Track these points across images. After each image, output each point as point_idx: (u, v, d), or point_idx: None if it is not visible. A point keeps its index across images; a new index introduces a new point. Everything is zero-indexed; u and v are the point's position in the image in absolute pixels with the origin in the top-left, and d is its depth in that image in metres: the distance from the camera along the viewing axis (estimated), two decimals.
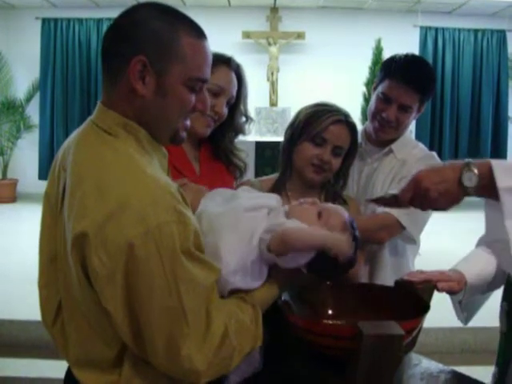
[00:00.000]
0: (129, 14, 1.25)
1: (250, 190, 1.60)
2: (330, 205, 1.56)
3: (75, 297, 1.22)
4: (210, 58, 1.30)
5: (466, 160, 1.33)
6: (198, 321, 1.16)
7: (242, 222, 1.39)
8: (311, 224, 1.43)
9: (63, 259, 1.23)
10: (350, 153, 1.98)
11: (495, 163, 1.29)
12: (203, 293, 1.18)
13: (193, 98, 1.28)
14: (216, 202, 1.48)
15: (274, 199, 1.52)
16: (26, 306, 3.71)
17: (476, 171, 1.30)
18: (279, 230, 1.35)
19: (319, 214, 1.47)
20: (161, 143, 1.33)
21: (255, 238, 1.36)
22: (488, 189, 1.29)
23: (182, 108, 1.28)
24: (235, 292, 1.33)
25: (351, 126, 1.93)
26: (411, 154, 2.18)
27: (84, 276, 1.16)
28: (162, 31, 1.21)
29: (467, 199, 1.36)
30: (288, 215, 1.46)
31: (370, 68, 8.57)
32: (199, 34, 1.27)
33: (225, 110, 1.98)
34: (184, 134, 1.35)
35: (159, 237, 1.10)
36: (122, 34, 1.23)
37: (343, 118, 1.92)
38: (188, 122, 1.33)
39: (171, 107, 1.26)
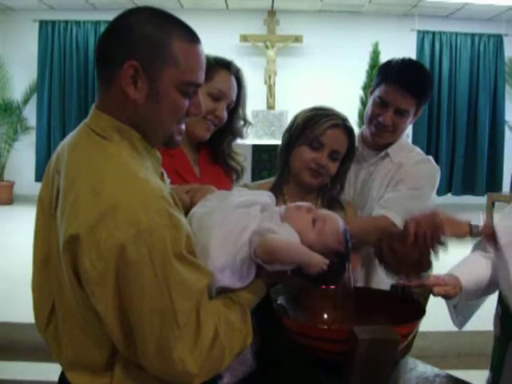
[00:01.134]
0: (122, 18, 1.25)
1: (242, 189, 1.59)
2: (325, 212, 1.55)
3: (67, 299, 1.22)
4: (204, 62, 1.30)
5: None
6: (189, 323, 1.17)
7: (232, 218, 1.39)
8: (304, 231, 1.44)
9: (56, 262, 1.23)
10: (347, 157, 1.98)
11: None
12: (194, 296, 1.19)
13: (186, 102, 1.28)
14: (209, 203, 1.48)
15: (266, 196, 1.51)
16: (23, 307, 3.69)
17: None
18: (267, 238, 1.35)
19: (314, 222, 1.47)
20: (154, 147, 1.33)
21: (246, 235, 1.37)
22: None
23: (175, 112, 1.28)
24: (222, 291, 1.34)
25: (349, 131, 1.93)
26: (407, 157, 2.18)
27: (75, 278, 1.16)
28: (153, 35, 1.21)
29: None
30: (283, 218, 1.46)
31: (368, 72, 8.57)
32: (192, 38, 1.27)
33: (225, 114, 1.99)
34: (179, 138, 1.34)
35: (151, 240, 1.10)
36: (115, 39, 1.23)
37: (341, 123, 1.91)
38: (183, 127, 1.33)
39: (164, 112, 1.26)
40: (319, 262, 1.37)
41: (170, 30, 1.23)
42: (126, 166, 1.18)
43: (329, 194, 2.02)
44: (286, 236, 1.39)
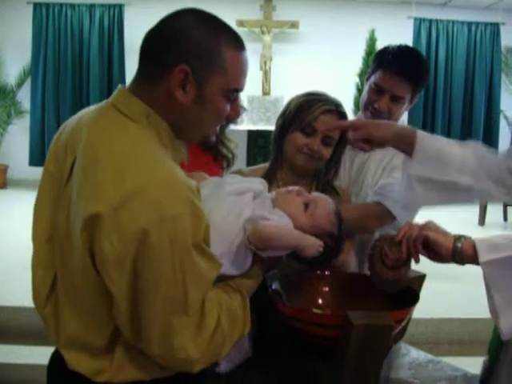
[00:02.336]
0: (172, 22, 1.25)
1: (235, 177, 1.59)
2: (316, 195, 1.56)
3: (73, 278, 1.22)
4: (247, 69, 1.33)
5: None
6: (196, 312, 1.18)
7: (225, 205, 1.39)
8: (296, 215, 1.44)
9: (63, 239, 1.23)
10: (341, 142, 1.97)
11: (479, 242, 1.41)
12: (205, 286, 1.20)
13: (228, 107, 1.31)
14: (202, 190, 1.48)
15: (258, 183, 1.51)
16: (18, 291, 3.71)
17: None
18: (259, 225, 1.35)
19: (306, 205, 1.47)
20: (187, 142, 1.35)
21: (240, 222, 1.37)
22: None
23: (218, 117, 1.31)
24: (220, 279, 1.33)
25: (342, 116, 1.92)
26: None
27: (90, 258, 1.15)
28: (205, 42, 1.23)
29: None
30: (274, 204, 1.46)
31: (364, 58, 8.56)
32: (240, 45, 1.30)
33: None
34: (214, 138, 1.43)
35: (173, 227, 1.11)
36: (166, 42, 1.23)
37: (334, 108, 1.90)
38: (218, 127, 1.38)
39: (208, 116, 1.29)
40: (314, 244, 1.38)
41: (221, 37, 1.25)
42: (151, 151, 1.18)
43: (323, 179, 2.02)
44: (278, 221, 1.39)
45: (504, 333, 1.37)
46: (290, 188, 1.52)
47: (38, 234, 1.33)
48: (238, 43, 1.29)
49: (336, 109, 1.91)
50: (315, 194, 1.56)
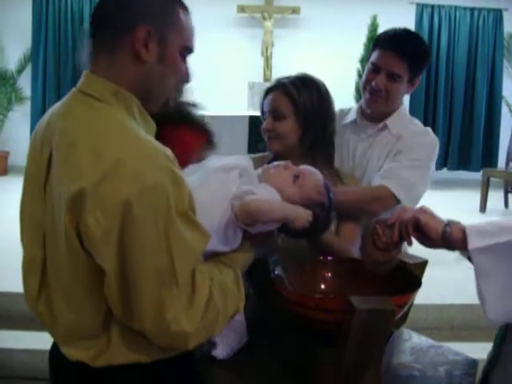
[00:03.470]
0: None
1: (219, 156, 1.58)
2: (303, 167, 1.56)
3: (62, 266, 1.22)
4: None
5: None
6: (186, 284, 1.17)
7: (212, 184, 1.39)
8: (285, 187, 1.45)
9: (50, 230, 1.23)
10: (299, 112, 1.91)
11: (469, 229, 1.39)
12: (193, 256, 1.20)
13: (184, 67, 1.34)
14: (187, 169, 1.46)
15: (244, 160, 1.51)
16: (17, 277, 3.71)
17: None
18: (245, 200, 1.34)
19: (295, 177, 1.47)
20: (152, 111, 1.34)
21: (227, 200, 1.37)
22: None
23: (178, 76, 1.34)
24: (211, 256, 1.34)
25: (286, 89, 1.92)
26: (406, 129, 2.18)
27: (77, 239, 1.15)
28: (160, 1, 1.27)
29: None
30: (261, 180, 1.47)
31: (365, 45, 8.48)
32: (186, 6, 1.33)
33: None
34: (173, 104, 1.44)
35: (155, 196, 1.11)
36: (120, 5, 1.25)
37: (274, 84, 1.95)
38: (174, 93, 1.41)
39: (169, 75, 1.31)
40: (304, 214, 1.39)
41: None
42: (125, 126, 1.19)
43: (318, 156, 1.96)
44: (265, 195, 1.39)
45: (490, 319, 1.36)
46: (276, 163, 1.53)
47: (24, 235, 1.35)
48: (185, 4, 1.33)
49: (276, 85, 1.95)
50: (302, 167, 1.57)
